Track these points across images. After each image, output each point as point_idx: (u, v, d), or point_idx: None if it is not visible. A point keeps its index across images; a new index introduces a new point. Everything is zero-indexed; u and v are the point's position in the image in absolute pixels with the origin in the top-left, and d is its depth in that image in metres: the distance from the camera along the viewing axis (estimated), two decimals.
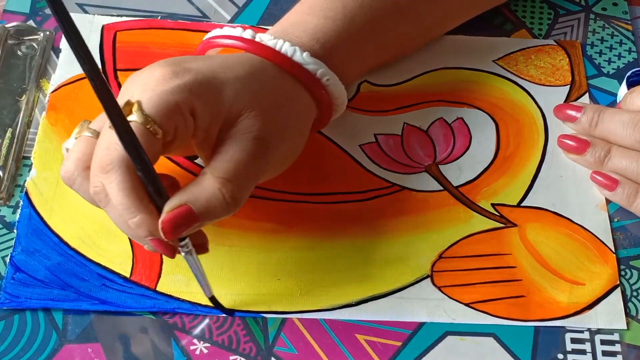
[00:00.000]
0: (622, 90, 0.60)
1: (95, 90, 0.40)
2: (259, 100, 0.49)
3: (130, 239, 0.53)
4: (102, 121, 0.47)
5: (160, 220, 0.45)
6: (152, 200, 0.45)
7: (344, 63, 0.54)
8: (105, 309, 0.50)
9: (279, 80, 0.51)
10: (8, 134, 0.57)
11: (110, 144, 0.45)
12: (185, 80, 0.46)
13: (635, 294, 0.53)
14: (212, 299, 0.50)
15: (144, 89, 0.46)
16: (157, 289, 0.51)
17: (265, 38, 0.52)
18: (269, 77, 0.50)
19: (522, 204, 0.56)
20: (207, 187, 0.45)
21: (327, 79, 0.52)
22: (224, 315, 0.51)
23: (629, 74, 0.60)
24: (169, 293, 0.51)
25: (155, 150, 0.45)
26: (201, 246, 0.49)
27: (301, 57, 0.52)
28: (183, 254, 0.47)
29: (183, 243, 0.47)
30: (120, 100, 0.46)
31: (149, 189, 0.45)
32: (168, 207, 0.45)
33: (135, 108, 0.45)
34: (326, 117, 0.54)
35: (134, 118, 0.44)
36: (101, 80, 0.39)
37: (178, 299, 0.51)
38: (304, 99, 0.52)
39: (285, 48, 0.52)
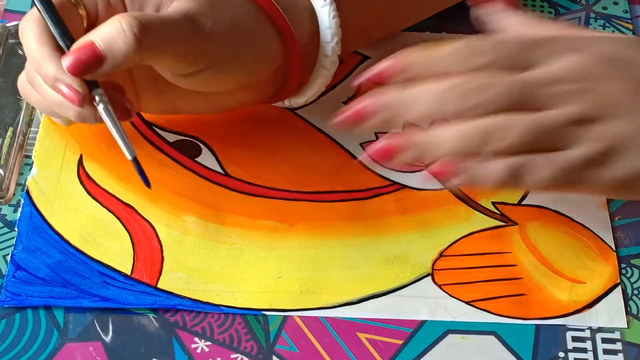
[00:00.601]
0: None
1: None
2: None
3: (131, 237, 0.53)
4: None
5: (64, 57, 0.46)
6: (61, 47, 0.47)
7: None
8: (106, 305, 0.50)
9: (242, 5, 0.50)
10: (9, 133, 0.57)
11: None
12: None
13: (636, 292, 0.53)
14: (135, 160, 0.49)
15: None
16: (158, 286, 0.51)
17: None
18: None
19: (522, 203, 0.56)
20: (110, 22, 0.46)
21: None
22: (225, 313, 0.51)
23: None
24: (169, 290, 0.51)
25: (74, 19, 0.48)
26: (121, 107, 0.48)
27: None
28: (100, 107, 0.47)
29: (95, 92, 0.47)
30: None
31: (57, 32, 0.47)
32: (74, 46, 0.46)
33: None
34: (294, 60, 0.52)
35: None
36: None
37: (179, 296, 0.51)
38: (265, 29, 0.51)
39: None
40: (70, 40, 0.47)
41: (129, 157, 0.48)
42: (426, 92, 0.45)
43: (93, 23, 0.49)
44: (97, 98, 0.47)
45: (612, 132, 0.44)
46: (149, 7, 0.49)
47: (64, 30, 0.47)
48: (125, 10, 0.49)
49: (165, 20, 0.47)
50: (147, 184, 0.49)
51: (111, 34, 0.45)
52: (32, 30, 0.47)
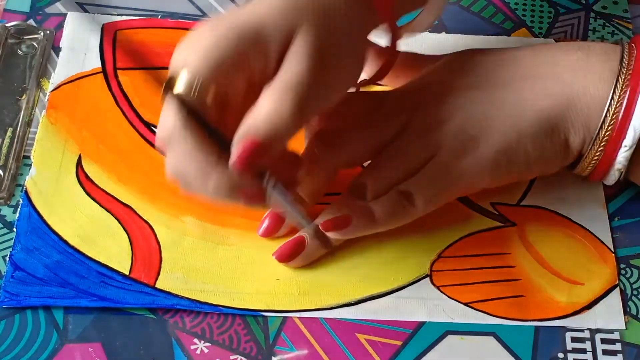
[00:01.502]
0: None
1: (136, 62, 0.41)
2: (306, 14, 0.46)
3: (129, 237, 0.53)
4: None
5: (230, 162, 0.44)
6: (221, 153, 0.44)
7: None
8: (104, 305, 0.51)
9: None
10: (9, 134, 0.57)
11: (163, 117, 0.45)
12: (223, 27, 0.45)
13: (635, 292, 0.53)
14: (317, 231, 0.49)
15: (187, 52, 0.45)
16: (156, 286, 0.51)
17: None
18: None
19: (521, 203, 0.56)
20: (263, 104, 0.44)
21: None
22: (224, 314, 0.51)
23: None
24: (167, 290, 0.51)
25: (208, 108, 0.45)
26: (291, 180, 0.48)
27: None
28: (274, 194, 0.46)
29: (264, 179, 0.45)
30: (170, 69, 0.45)
31: (215, 142, 0.44)
32: (234, 143, 0.44)
33: (182, 72, 0.44)
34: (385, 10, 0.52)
35: (183, 78, 0.44)
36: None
37: (177, 296, 0.51)
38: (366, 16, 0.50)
39: None
40: (225, 140, 0.44)
41: (308, 228, 0.50)
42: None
43: (227, 101, 0.46)
44: (268, 189, 0.45)
45: (455, 125, 0.51)
46: (272, 60, 0.46)
47: (218, 134, 0.45)
48: (251, 68, 0.46)
49: (305, 76, 0.45)
50: (330, 246, 0.51)
51: (271, 117, 0.44)
52: (186, 149, 0.44)
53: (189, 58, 0.45)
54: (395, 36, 0.53)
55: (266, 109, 0.44)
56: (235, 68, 0.45)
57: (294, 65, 0.45)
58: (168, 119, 0.45)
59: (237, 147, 0.44)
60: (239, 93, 0.46)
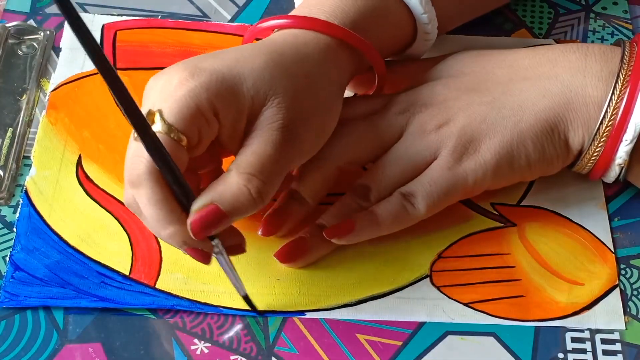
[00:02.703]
0: None
1: (120, 103, 0.40)
2: (281, 85, 0.48)
3: (129, 238, 0.53)
4: None
5: (188, 222, 0.45)
6: (182, 207, 0.45)
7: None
8: (104, 305, 0.51)
9: (302, 55, 0.50)
10: (9, 134, 0.57)
11: (136, 157, 0.45)
12: (202, 80, 0.46)
13: (635, 292, 0.53)
14: (246, 297, 0.50)
15: (163, 96, 0.46)
16: (157, 286, 0.51)
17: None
18: (290, 57, 0.49)
19: (521, 203, 0.56)
20: (232, 183, 0.45)
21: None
22: (224, 314, 0.51)
23: None
24: (168, 290, 0.51)
25: (182, 158, 0.45)
26: (237, 247, 0.49)
27: None
28: (219, 257, 0.48)
29: (213, 243, 0.47)
30: (142, 109, 0.45)
31: (179, 196, 0.45)
32: (195, 207, 0.45)
33: (157, 117, 0.45)
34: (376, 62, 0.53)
35: (157, 128, 0.44)
36: (127, 94, 0.40)
37: (177, 297, 0.51)
38: (334, 61, 0.51)
39: None
40: (189, 195, 0.45)
41: (240, 294, 0.50)
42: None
43: (195, 147, 0.46)
44: (215, 250, 0.47)
45: (456, 127, 0.51)
46: (239, 120, 0.47)
47: (188, 194, 0.45)
48: (217, 124, 0.47)
49: (274, 159, 0.46)
50: (261, 314, 0.51)
51: (238, 198, 0.45)
52: (153, 194, 0.45)
53: (165, 104, 0.45)
54: (382, 72, 0.55)
55: (233, 189, 0.45)
56: (209, 121, 0.46)
57: (262, 144, 0.46)
58: (139, 162, 0.45)
59: (198, 212, 0.45)
60: (204, 143, 0.47)
